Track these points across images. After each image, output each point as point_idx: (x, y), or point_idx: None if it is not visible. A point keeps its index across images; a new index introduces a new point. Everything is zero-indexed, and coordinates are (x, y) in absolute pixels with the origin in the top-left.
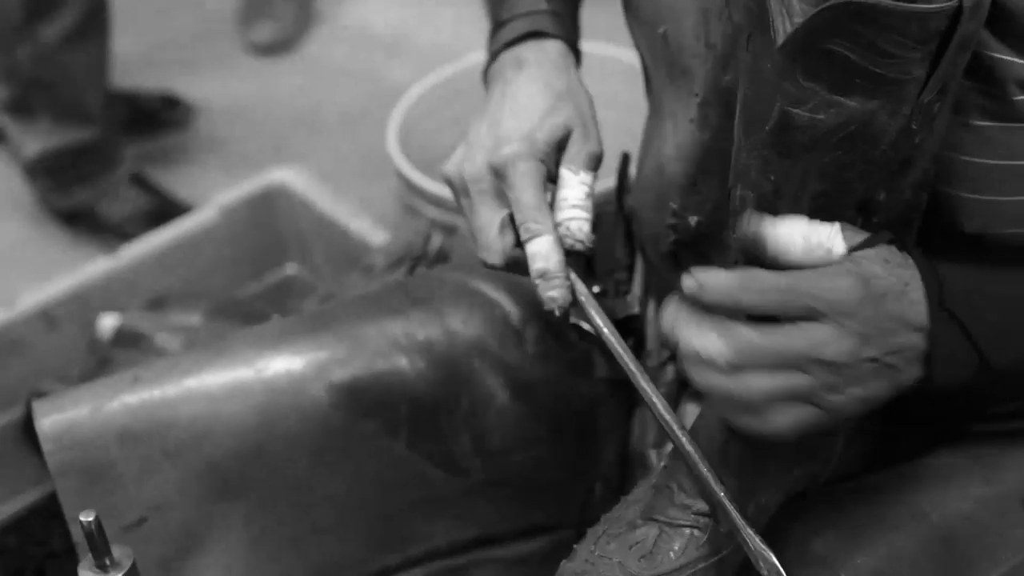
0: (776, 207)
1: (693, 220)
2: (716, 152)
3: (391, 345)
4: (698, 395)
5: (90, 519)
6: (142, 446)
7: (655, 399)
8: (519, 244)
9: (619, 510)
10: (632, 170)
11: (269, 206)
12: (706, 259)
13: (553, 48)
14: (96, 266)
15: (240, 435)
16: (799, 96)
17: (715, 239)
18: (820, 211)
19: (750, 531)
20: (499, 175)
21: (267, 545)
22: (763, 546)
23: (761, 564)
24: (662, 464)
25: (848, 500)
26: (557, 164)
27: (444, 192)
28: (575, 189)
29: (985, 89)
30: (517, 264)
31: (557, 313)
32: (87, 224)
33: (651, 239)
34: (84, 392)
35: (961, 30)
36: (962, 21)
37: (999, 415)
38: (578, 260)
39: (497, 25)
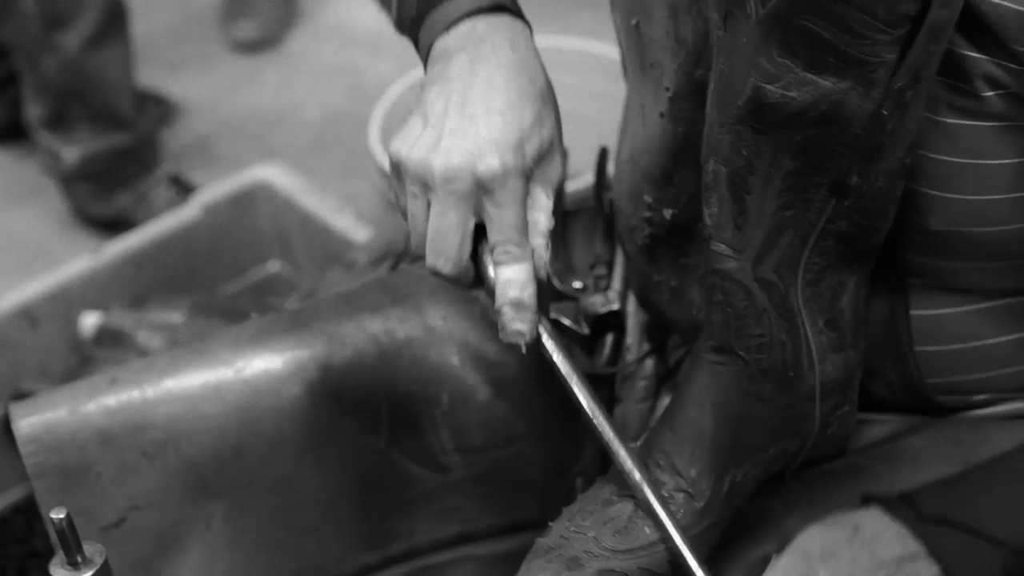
0: (748, 183)
1: (668, 213)
2: (689, 146)
3: (370, 342)
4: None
5: (61, 516)
6: (120, 447)
7: (615, 444)
8: (473, 258)
9: (595, 489)
10: (610, 165)
11: (251, 203)
12: (681, 252)
13: (521, 29)
14: (78, 264)
15: (219, 435)
16: (773, 72)
17: (690, 232)
18: (792, 189)
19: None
20: (484, 187)
21: (247, 545)
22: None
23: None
24: (638, 443)
25: (825, 480)
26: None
27: None
28: (545, 214)
29: (953, 85)
30: (466, 277)
31: (523, 348)
32: (127, 229)
33: (627, 231)
34: (62, 394)
35: (931, 17)
36: (932, 8)
37: (978, 402)
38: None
39: (419, 15)
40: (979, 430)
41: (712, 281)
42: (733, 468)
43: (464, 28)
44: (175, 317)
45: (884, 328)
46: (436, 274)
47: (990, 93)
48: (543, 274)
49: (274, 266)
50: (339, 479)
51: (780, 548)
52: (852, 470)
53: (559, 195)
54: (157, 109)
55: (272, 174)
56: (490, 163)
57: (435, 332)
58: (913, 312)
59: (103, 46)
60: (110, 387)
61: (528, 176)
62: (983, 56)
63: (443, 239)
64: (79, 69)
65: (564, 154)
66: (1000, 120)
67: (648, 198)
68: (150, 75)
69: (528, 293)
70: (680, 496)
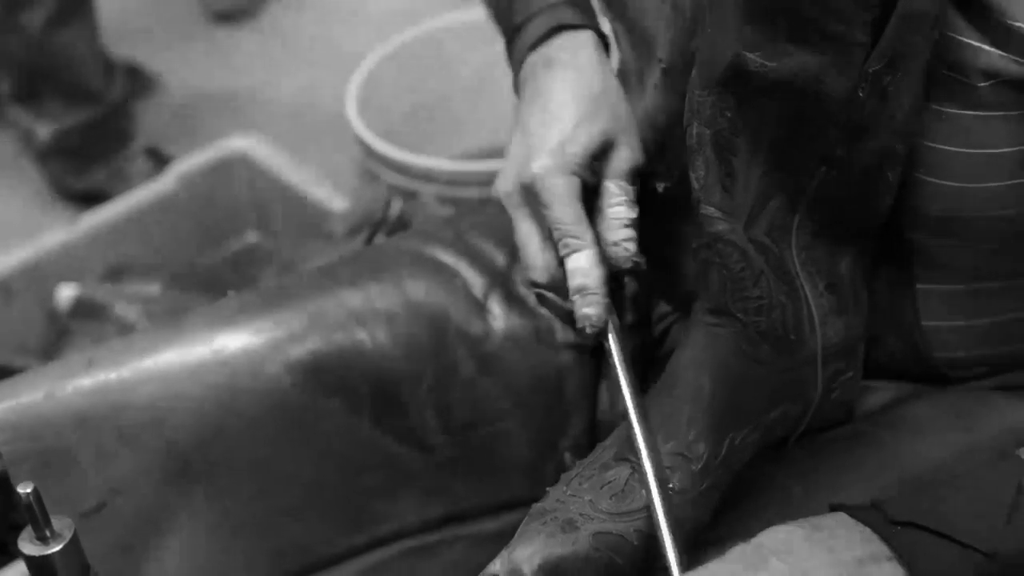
0: (734, 145)
1: (660, 186)
2: (682, 119)
3: (350, 319)
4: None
5: (28, 491)
6: (98, 431)
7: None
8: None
9: (593, 455)
10: None
11: (228, 174)
12: (672, 224)
13: (585, 41)
14: (53, 236)
15: (199, 417)
16: (755, 40)
17: (681, 205)
18: (780, 155)
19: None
20: (530, 192)
21: (230, 528)
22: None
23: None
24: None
25: (828, 447)
26: (595, 173)
27: (404, 158)
28: (624, 207)
29: (952, 75)
30: (562, 283)
31: (588, 331)
32: (103, 202)
33: None
34: (37, 376)
35: (903, 6)
36: None
37: (977, 374)
38: (629, 283)
39: (513, 32)
40: (982, 401)
41: (707, 244)
42: (732, 431)
43: (532, 59)
44: (152, 289)
45: (889, 300)
46: (534, 285)
47: (986, 83)
48: (629, 263)
49: (252, 237)
50: (322, 460)
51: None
52: (855, 437)
53: (636, 184)
54: (134, 81)
55: (249, 145)
56: (528, 169)
57: (416, 307)
58: (919, 286)
59: (67, 23)
60: (87, 369)
61: (579, 172)
62: (982, 46)
63: (524, 251)
64: (43, 47)
65: (635, 147)
66: (997, 109)
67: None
68: (126, 46)
69: (593, 278)
70: (677, 459)
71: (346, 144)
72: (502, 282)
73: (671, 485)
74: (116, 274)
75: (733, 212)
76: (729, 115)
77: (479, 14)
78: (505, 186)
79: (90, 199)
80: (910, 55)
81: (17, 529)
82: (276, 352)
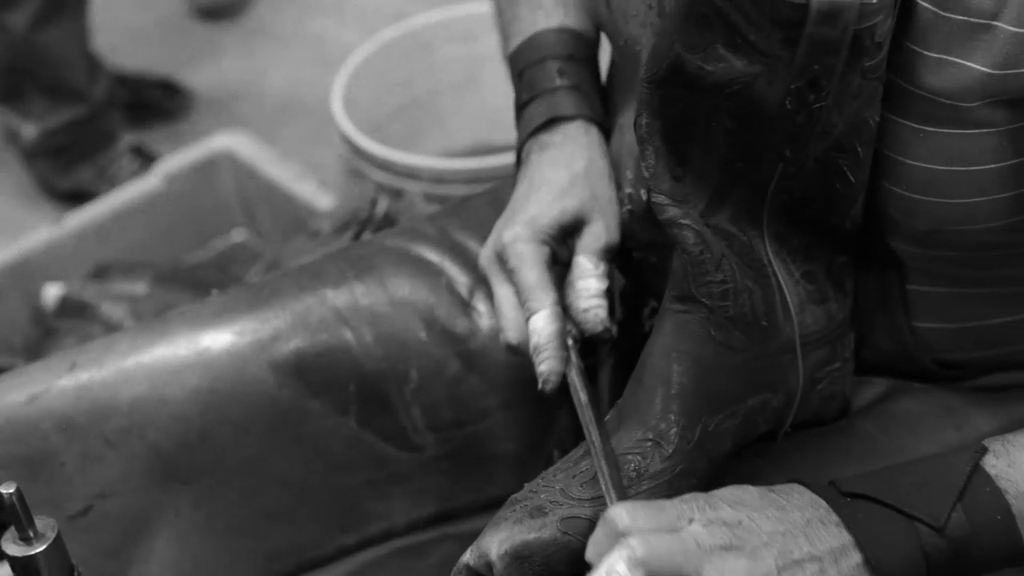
0: (691, 134)
1: (645, 195)
2: None
3: (335, 318)
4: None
5: (11, 491)
6: (83, 435)
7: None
8: None
9: (573, 452)
10: None
11: (214, 172)
12: (659, 231)
13: (578, 130)
14: (39, 235)
15: (183, 420)
16: (694, 43)
17: None
18: (736, 145)
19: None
20: (501, 259)
21: (218, 530)
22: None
23: None
24: (618, 402)
25: (816, 441)
26: (568, 248)
27: (390, 156)
28: (593, 280)
29: (935, 97)
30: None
31: (547, 388)
32: (89, 201)
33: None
34: (20, 378)
35: (810, 30)
36: (808, 22)
37: (967, 374)
38: (619, 280)
39: (519, 107)
40: (971, 399)
41: (666, 230)
42: (705, 416)
43: (529, 145)
44: (138, 288)
45: (879, 300)
46: (512, 349)
47: (979, 103)
48: (599, 329)
49: (238, 235)
50: (309, 461)
51: None
52: (844, 431)
53: (610, 259)
54: (171, 98)
55: (235, 142)
56: (498, 239)
57: (401, 306)
58: (910, 287)
59: (53, 23)
60: (70, 372)
61: (548, 241)
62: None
63: (498, 313)
64: (28, 47)
65: (611, 226)
66: (980, 127)
67: (629, 174)
68: (110, 43)
69: (545, 336)
70: (647, 444)
71: (332, 142)
72: (487, 280)
73: (638, 470)
74: (102, 273)
75: (685, 199)
76: (682, 106)
77: (465, 11)
78: (485, 253)
79: (76, 198)
80: (832, 78)
81: (3, 530)
82: (260, 352)
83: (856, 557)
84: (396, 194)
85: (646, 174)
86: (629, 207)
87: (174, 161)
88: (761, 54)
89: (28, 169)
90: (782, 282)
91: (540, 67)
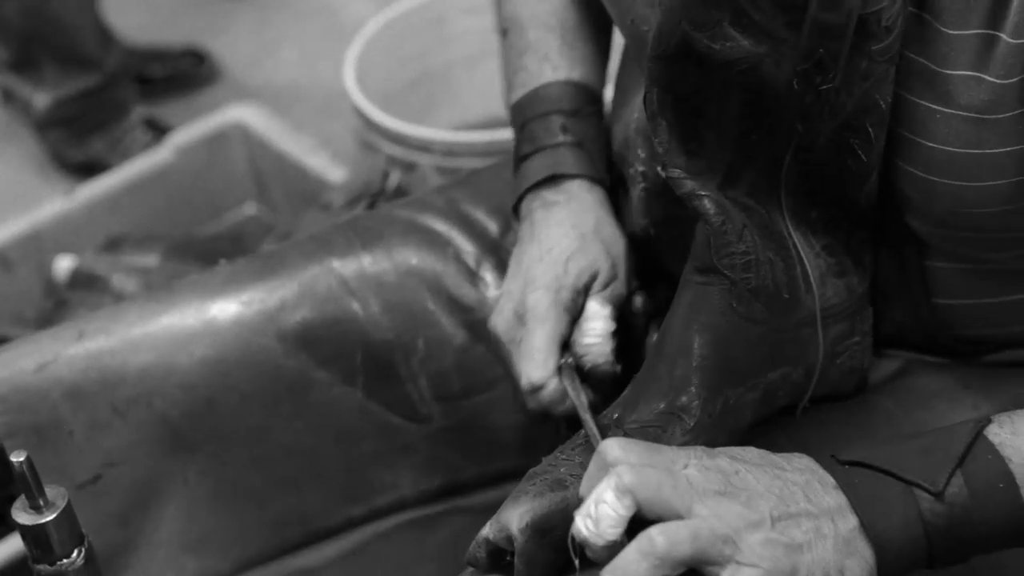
0: (702, 109)
1: (661, 170)
2: None
3: (342, 288)
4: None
5: (21, 459)
6: (91, 403)
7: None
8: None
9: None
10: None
11: (226, 145)
12: (677, 206)
13: (580, 188)
14: (51, 207)
15: (191, 389)
16: (701, 20)
17: None
18: (752, 117)
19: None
20: (521, 322)
21: (226, 498)
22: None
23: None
24: (635, 375)
25: (834, 415)
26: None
27: (402, 128)
28: (601, 322)
29: (959, 74)
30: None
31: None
32: (101, 173)
33: (628, 178)
34: (28, 347)
35: (813, 13)
36: (810, 6)
37: (985, 349)
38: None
39: (520, 157)
40: (989, 375)
41: (686, 204)
42: (726, 389)
43: (529, 199)
44: (150, 260)
45: (898, 276)
46: (529, 384)
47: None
48: (601, 361)
49: (250, 208)
50: (316, 431)
51: None
52: (861, 406)
53: (619, 306)
54: (197, 66)
55: (247, 115)
56: (524, 301)
57: (408, 276)
58: (928, 263)
59: None
60: (78, 341)
61: (568, 308)
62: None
63: (524, 357)
64: (40, 13)
65: (622, 278)
66: (1003, 111)
67: (642, 152)
68: (123, 15)
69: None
70: (670, 417)
71: (344, 115)
72: (494, 250)
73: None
74: (114, 245)
75: (701, 173)
76: (692, 82)
77: None
78: (503, 323)
79: (88, 169)
80: (839, 61)
81: (14, 501)
82: (267, 322)
83: (853, 520)
84: (408, 167)
85: (659, 149)
86: (644, 185)
87: (186, 133)
88: (766, 35)
89: (40, 140)
90: (803, 254)
91: (543, 121)
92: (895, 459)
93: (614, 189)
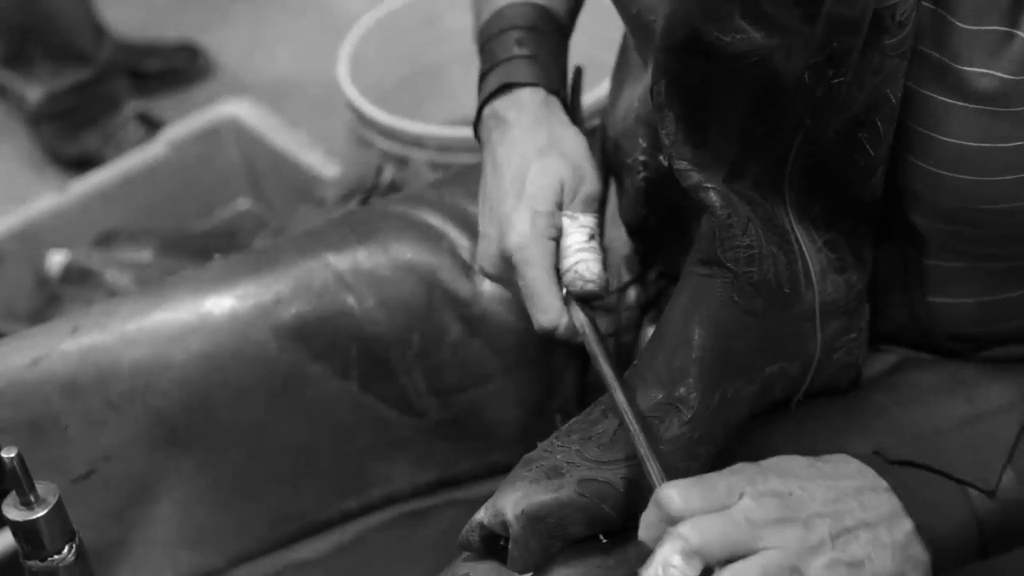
0: (710, 101)
1: (665, 160)
2: None
3: (337, 282)
4: (658, 317)
5: (11, 456)
6: (85, 398)
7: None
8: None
9: (585, 412)
10: (601, 89)
11: (220, 140)
12: (679, 195)
13: (530, 98)
14: (44, 202)
15: (186, 384)
16: (714, 13)
17: None
18: (758, 113)
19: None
20: (509, 265)
21: (221, 494)
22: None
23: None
24: (634, 363)
25: (828, 410)
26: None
27: (396, 124)
28: (576, 234)
29: (972, 70)
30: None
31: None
32: (95, 168)
33: (624, 166)
34: (22, 342)
35: (829, 7)
36: (827, 0)
37: (979, 347)
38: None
39: (480, 78)
40: (983, 372)
41: (692, 196)
42: (724, 382)
43: (485, 115)
44: (143, 255)
45: (895, 273)
46: (541, 330)
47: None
48: (587, 285)
49: (244, 203)
50: (311, 425)
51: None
52: (856, 401)
53: (594, 209)
54: (192, 61)
55: (241, 110)
56: (505, 242)
57: (403, 270)
58: (927, 262)
59: None
60: (72, 335)
61: (552, 233)
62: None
63: (531, 297)
64: (33, 7)
65: (590, 177)
66: (1016, 105)
67: (643, 142)
68: (116, 9)
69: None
70: (667, 408)
71: (338, 110)
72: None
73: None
74: (107, 240)
75: (707, 165)
76: (700, 74)
77: None
78: (493, 268)
79: (81, 164)
80: (852, 55)
81: (4, 495)
82: (262, 317)
83: (908, 524)
84: (402, 162)
85: (666, 141)
86: (645, 174)
87: (180, 128)
88: (779, 28)
89: (34, 135)
90: (804, 249)
91: (500, 37)
92: (943, 457)
93: (609, 179)
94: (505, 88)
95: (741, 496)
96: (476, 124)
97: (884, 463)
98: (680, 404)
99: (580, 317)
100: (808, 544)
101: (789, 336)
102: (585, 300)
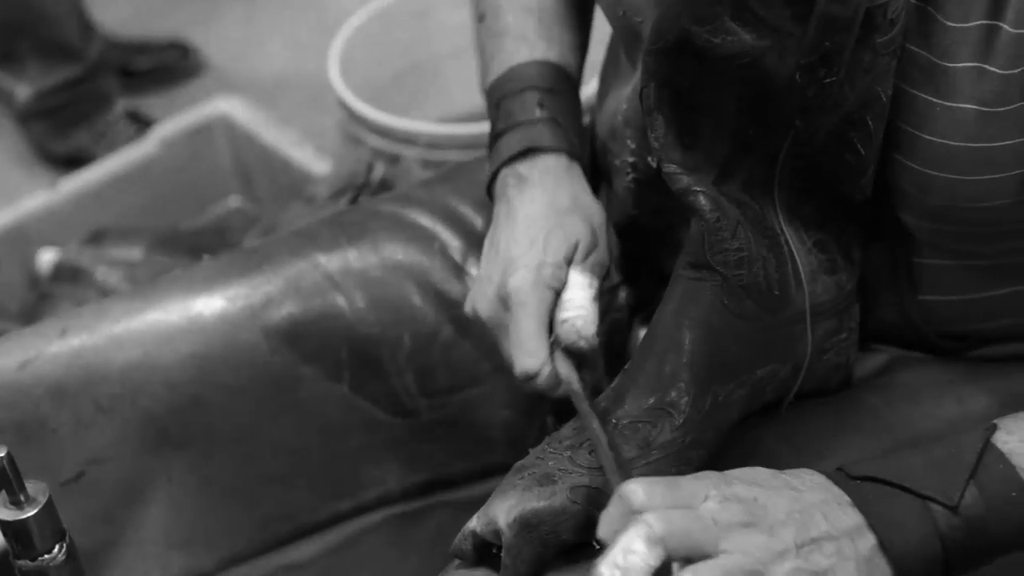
0: (700, 103)
1: (654, 161)
2: None
3: (328, 283)
4: (648, 319)
5: (1, 455)
6: (75, 401)
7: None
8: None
9: (575, 420)
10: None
11: (211, 137)
12: (668, 197)
13: (555, 163)
14: (35, 200)
15: (176, 386)
16: (702, 15)
17: None
18: (748, 114)
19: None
20: (504, 306)
21: (211, 496)
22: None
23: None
24: (624, 367)
25: (819, 411)
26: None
27: (387, 121)
28: (580, 290)
29: (951, 67)
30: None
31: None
32: (85, 165)
33: (612, 168)
34: (10, 344)
35: (821, 8)
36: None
37: (968, 346)
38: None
39: (494, 136)
40: (972, 371)
41: (681, 200)
42: (715, 386)
43: (504, 175)
44: (134, 253)
45: (885, 272)
46: (523, 374)
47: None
48: (579, 341)
49: (235, 201)
50: (302, 427)
51: None
52: (847, 402)
53: (603, 276)
54: (182, 58)
55: (231, 108)
56: (506, 285)
57: (394, 271)
58: (916, 260)
59: None
60: (61, 337)
61: (552, 284)
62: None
63: (516, 344)
64: (22, 4)
65: (602, 249)
66: (1007, 104)
67: (632, 144)
68: (107, 8)
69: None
70: (659, 413)
71: (329, 107)
72: (480, 244)
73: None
74: (98, 238)
75: (697, 168)
76: (689, 76)
77: None
78: (487, 308)
79: (72, 163)
80: (844, 54)
81: None
82: (252, 318)
83: (871, 539)
84: (393, 159)
85: (655, 144)
86: (634, 175)
87: (171, 126)
88: (771, 29)
89: (23, 133)
90: (794, 251)
91: (519, 97)
92: (906, 472)
93: (597, 180)
94: (528, 153)
95: (706, 499)
96: (491, 182)
97: (847, 478)
98: (671, 408)
99: (566, 368)
100: (773, 551)
101: (780, 338)
102: (572, 356)
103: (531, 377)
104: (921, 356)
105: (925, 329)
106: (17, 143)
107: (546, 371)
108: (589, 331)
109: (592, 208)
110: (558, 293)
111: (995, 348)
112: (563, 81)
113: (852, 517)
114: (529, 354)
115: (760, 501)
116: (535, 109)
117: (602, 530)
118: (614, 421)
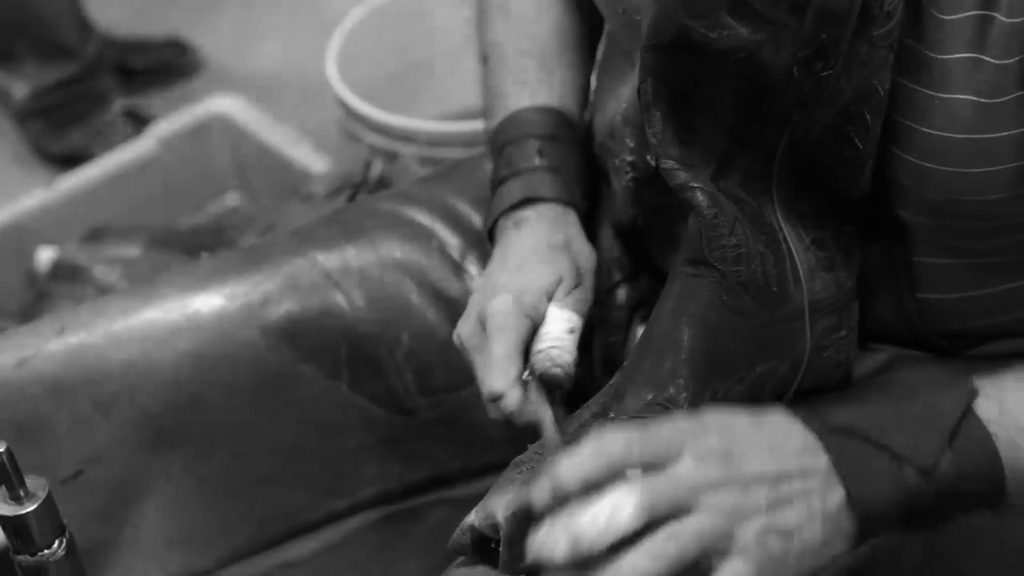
0: (697, 99)
1: (653, 160)
2: None
3: (326, 280)
4: (648, 317)
5: (1, 451)
6: (73, 399)
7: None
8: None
9: (576, 414)
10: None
11: (208, 136)
12: (667, 195)
13: (550, 211)
14: (32, 198)
15: (174, 385)
16: (699, 10)
17: None
18: (745, 110)
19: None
20: (482, 329)
21: (209, 494)
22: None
23: None
24: (623, 365)
25: (820, 407)
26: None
27: (385, 118)
28: (558, 323)
29: (948, 60)
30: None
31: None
32: (83, 164)
33: (610, 167)
34: (8, 342)
35: (816, 0)
36: None
37: (967, 344)
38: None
39: (495, 183)
40: (972, 368)
41: (679, 196)
42: (715, 382)
43: (503, 222)
44: (132, 251)
45: (884, 271)
46: (489, 396)
47: (1003, 60)
48: (554, 369)
49: (232, 199)
50: (300, 425)
51: None
52: (845, 400)
53: (584, 314)
54: (180, 56)
55: (229, 106)
56: (486, 307)
57: (392, 269)
58: (915, 259)
59: None
60: (59, 335)
61: (531, 314)
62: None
63: (486, 367)
64: (19, 3)
65: (587, 289)
66: (1003, 95)
67: (630, 143)
68: (103, 6)
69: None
70: (658, 409)
71: (327, 105)
72: (479, 242)
73: None
74: (96, 236)
75: (694, 164)
76: (686, 72)
77: None
78: (467, 330)
79: (69, 161)
80: (840, 46)
81: None
82: (251, 316)
83: (840, 492)
84: (390, 157)
85: (653, 140)
86: (632, 174)
87: (168, 124)
88: (767, 22)
89: (21, 132)
90: (792, 248)
91: (519, 145)
92: (885, 426)
93: (597, 180)
94: (528, 201)
95: (681, 451)
96: (492, 228)
97: (824, 427)
98: (670, 405)
99: (536, 396)
100: (744, 509)
101: (778, 335)
102: (547, 385)
103: (497, 398)
104: (920, 355)
105: (924, 328)
106: (15, 142)
107: (513, 395)
108: (564, 359)
109: (583, 250)
110: (536, 325)
111: (994, 346)
112: (563, 127)
113: (825, 466)
114: (497, 375)
115: (735, 454)
116: (535, 157)
117: (566, 468)
118: (612, 416)
